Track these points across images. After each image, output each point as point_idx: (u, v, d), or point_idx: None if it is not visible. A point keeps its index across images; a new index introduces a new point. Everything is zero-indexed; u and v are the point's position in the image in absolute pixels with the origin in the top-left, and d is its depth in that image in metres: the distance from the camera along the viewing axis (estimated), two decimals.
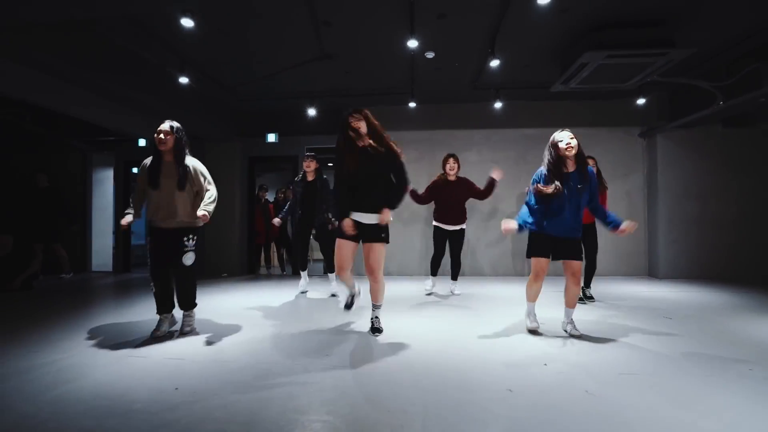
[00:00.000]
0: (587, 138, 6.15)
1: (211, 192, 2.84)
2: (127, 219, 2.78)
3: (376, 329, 2.87)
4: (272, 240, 6.98)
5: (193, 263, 2.81)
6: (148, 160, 2.81)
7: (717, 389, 1.95)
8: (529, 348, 2.59)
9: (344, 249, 2.74)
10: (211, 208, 2.78)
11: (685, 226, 5.72)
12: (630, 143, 5.97)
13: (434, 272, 4.44)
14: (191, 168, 2.80)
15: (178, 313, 2.96)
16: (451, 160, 4.31)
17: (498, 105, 5.46)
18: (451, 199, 4.28)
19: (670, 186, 5.75)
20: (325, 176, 4.44)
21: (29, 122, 5.80)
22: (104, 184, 7.22)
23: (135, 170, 7.45)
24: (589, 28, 3.64)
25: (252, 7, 3.38)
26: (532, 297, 2.94)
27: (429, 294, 4.40)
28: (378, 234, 2.73)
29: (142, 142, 6.68)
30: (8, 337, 2.83)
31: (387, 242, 2.78)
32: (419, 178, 6.09)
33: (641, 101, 5.34)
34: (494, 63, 4.09)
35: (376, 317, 2.92)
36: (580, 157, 2.73)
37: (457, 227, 4.32)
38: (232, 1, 2.96)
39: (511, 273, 6.05)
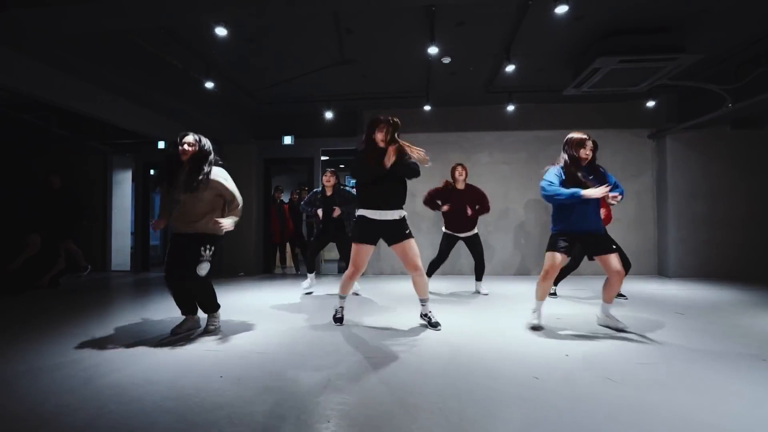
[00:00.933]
0: (597, 139, 6.26)
1: (237, 202, 2.87)
2: (158, 223, 2.85)
3: (435, 324, 2.97)
4: (287, 240, 7.14)
5: (206, 274, 2.81)
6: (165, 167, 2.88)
7: (731, 378, 2.07)
8: (548, 341, 2.72)
9: (364, 252, 2.88)
10: (232, 220, 2.82)
11: (694, 225, 5.82)
12: (639, 145, 6.09)
13: (430, 273, 4.43)
14: (212, 176, 2.79)
15: (202, 314, 3.03)
16: (459, 168, 4.46)
17: (510, 108, 5.59)
18: (460, 206, 4.35)
19: (679, 186, 5.85)
20: (342, 186, 4.55)
21: (54, 125, 5.99)
22: (123, 185, 7.41)
23: (152, 172, 7.67)
24: (602, 34, 3.77)
25: (280, 17, 3.53)
26: (542, 295, 2.96)
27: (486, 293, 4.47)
28: (403, 231, 2.88)
29: (161, 144, 6.86)
30: (43, 332, 2.97)
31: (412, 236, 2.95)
32: (431, 179, 6.23)
33: (651, 103, 5.45)
34: (509, 68, 4.23)
35: (429, 311, 3.04)
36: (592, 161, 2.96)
37: (470, 233, 4.41)
38: (265, 14, 3.09)
39: (524, 272, 6.16)
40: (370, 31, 3.88)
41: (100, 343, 2.67)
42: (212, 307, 2.99)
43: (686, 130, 5.65)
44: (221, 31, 3.23)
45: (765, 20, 3.61)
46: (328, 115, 5.80)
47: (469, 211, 4.29)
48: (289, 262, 7.34)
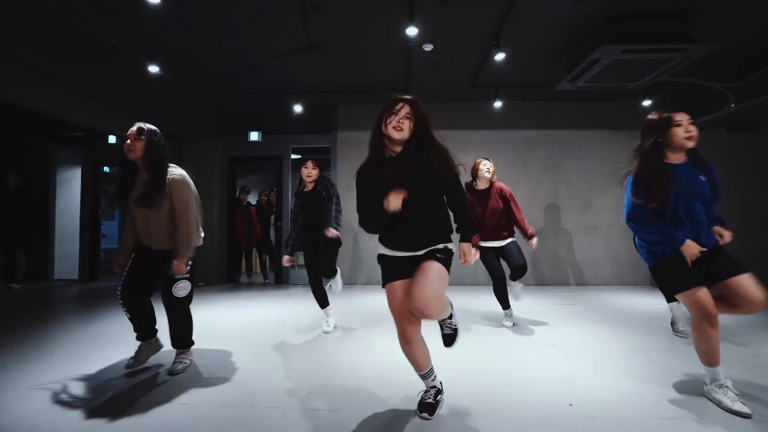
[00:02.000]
0: (589, 140, 5.98)
1: (187, 220, 2.27)
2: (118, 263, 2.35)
3: (422, 405, 1.83)
4: (254, 245, 6.52)
5: (187, 295, 2.34)
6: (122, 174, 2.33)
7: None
8: (547, 381, 2.24)
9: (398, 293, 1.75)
10: (187, 248, 2.27)
11: None
12: (632, 147, 5.72)
13: (506, 303, 3.36)
14: (170, 181, 2.25)
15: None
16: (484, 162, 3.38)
17: (497, 104, 5.15)
18: (486, 210, 3.32)
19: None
20: (326, 176, 3.37)
21: None
22: (71, 183, 6.63)
23: (106, 169, 6.91)
24: (603, 20, 3.34)
25: None
26: (714, 357, 1.83)
27: (512, 324, 3.38)
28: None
29: (112, 139, 6.14)
30: None
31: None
32: None
33: (647, 103, 5.09)
34: (499, 56, 3.76)
35: (433, 387, 1.88)
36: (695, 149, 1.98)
37: (506, 241, 3.32)
38: None
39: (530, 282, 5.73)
40: (340, 8, 3.34)
41: (12, 393, 2.04)
42: (186, 342, 2.44)
43: None
44: None
45: None
46: (298, 109, 5.23)
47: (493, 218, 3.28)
48: (257, 269, 6.71)
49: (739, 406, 1.76)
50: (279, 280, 6.08)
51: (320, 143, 6.02)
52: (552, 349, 2.80)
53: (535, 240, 3.30)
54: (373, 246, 5.84)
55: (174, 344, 2.42)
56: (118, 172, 2.36)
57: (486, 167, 3.35)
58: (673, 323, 3.15)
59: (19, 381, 2.19)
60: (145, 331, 2.41)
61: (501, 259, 3.34)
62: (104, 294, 5.09)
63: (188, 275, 2.33)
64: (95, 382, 2.19)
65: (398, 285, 1.75)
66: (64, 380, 2.20)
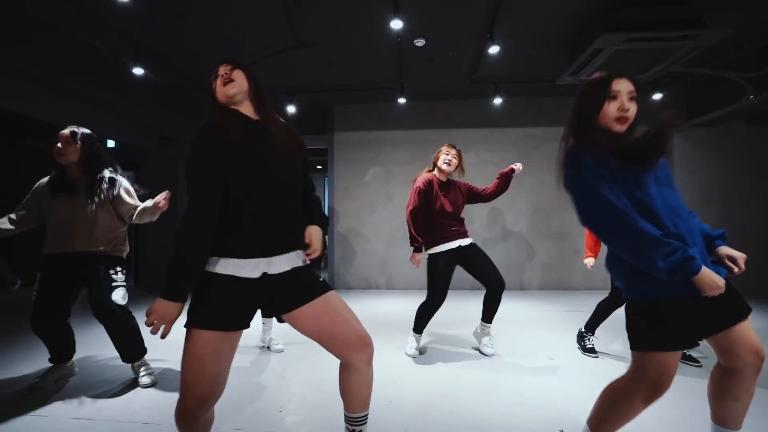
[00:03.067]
0: None
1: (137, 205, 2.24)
2: None
3: None
4: None
5: (126, 302, 2.20)
6: (44, 180, 2.21)
7: None
8: (536, 402, 2.03)
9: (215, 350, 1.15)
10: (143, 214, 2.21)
11: None
12: None
13: (422, 328, 2.77)
14: (107, 180, 2.16)
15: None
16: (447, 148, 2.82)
17: (498, 101, 4.92)
18: (445, 205, 2.78)
19: (688, 190, 5.19)
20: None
21: None
22: None
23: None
24: (604, 7, 3.09)
25: None
26: (608, 428, 1.27)
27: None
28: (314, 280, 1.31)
29: (111, 143, 6.13)
30: None
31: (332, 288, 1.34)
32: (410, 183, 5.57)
33: (657, 96, 4.80)
34: (493, 50, 3.55)
35: None
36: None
37: (469, 240, 2.79)
38: None
39: (512, 287, 5.49)
40: (322, 3, 3.18)
41: None
42: (139, 352, 2.28)
43: (696, 127, 5.01)
44: None
45: None
46: (291, 109, 5.09)
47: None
48: None
49: None
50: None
51: (317, 144, 5.88)
52: (549, 362, 2.58)
53: (518, 165, 2.93)
54: (370, 249, 5.67)
55: (126, 358, 2.26)
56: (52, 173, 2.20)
57: (446, 159, 2.74)
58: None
59: None
60: (62, 352, 2.24)
61: (463, 272, 2.77)
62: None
63: (124, 283, 2.20)
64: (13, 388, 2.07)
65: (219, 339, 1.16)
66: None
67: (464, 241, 2.72)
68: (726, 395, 1.22)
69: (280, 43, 3.85)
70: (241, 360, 2.62)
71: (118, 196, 2.17)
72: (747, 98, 3.91)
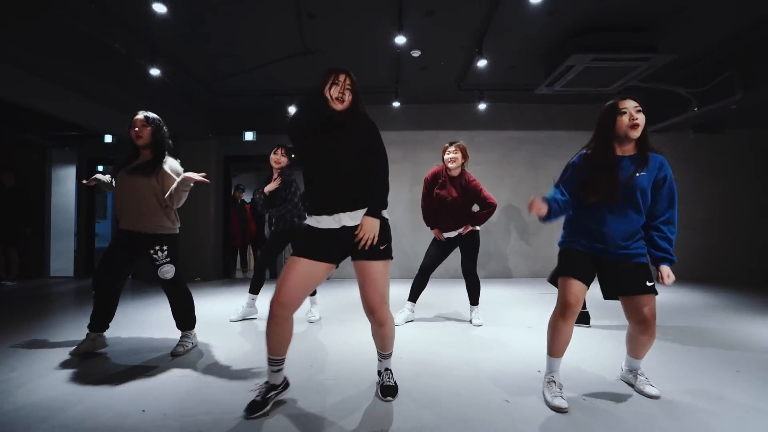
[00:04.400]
0: (568, 141, 6.31)
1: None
2: (98, 176, 2.52)
3: (387, 388, 1.87)
4: (249, 242, 6.71)
5: (174, 276, 2.50)
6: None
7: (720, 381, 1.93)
8: (519, 355, 2.52)
9: (299, 273, 1.71)
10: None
11: None
12: None
13: (416, 296, 3.32)
14: (168, 167, 2.48)
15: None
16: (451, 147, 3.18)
17: (482, 106, 5.44)
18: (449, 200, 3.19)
19: None
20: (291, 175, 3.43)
21: None
22: (66, 182, 6.73)
23: (100, 168, 7.02)
24: (576, 31, 3.64)
25: None
26: (557, 349, 1.84)
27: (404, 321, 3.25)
28: (375, 246, 1.72)
29: (108, 138, 6.28)
30: None
31: (390, 257, 1.79)
32: (402, 178, 6.02)
33: None
34: (481, 63, 4.04)
35: (387, 370, 1.93)
36: (643, 140, 1.81)
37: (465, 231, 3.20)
38: None
39: (492, 275, 6.04)
40: (335, 17, 3.58)
41: (4, 370, 2.23)
42: (188, 323, 2.61)
43: (653, 133, 5.67)
44: (159, 8, 2.84)
45: (733, 23, 3.60)
46: (293, 110, 5.43)
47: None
48: (251, 265, 6.91)
49: (558, 402, 1.74)
50: (273, 275, 6.28)
51: None
52: (527, 329, 3.09)
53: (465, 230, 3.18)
54: None
55: (178, 325, 2.61)
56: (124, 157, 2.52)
57: (449, 156, 3.10)
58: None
59: (39, 362, 2.39)
60: (99, 323, 2.52)
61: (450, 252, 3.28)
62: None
63: (167, 259, 2.48)
64: (100, 362, 2.40)
65: (309, 265, 1.73)
66: (72, 363, 2.41)
67: (454, 233, 3.21)
68: (630, 339, 1.94)
69: (289, 50, 4.21)
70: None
71: (166, 174, 2.46)
72: (692, 110, 4.58)
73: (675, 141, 5.88)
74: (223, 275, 6.36)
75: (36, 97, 4.19)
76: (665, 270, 1.82)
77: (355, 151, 1.74)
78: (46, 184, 6.46)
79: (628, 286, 1.81)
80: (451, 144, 3.17)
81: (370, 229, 1.69)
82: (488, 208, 3.12)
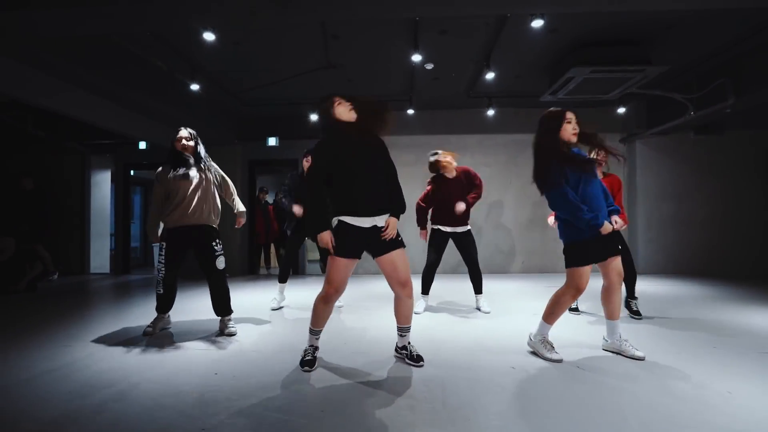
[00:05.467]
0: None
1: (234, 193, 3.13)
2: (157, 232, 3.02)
3: (416, 357, 2.29)
4: (272, 241, 7.17)
5: (225, 267, 2.96)
6: (163, 168, 2.95)
7: (697, 362, 2.29)
8: (524, 332, 2.90)
9: (345, 269, 2.19)
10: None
11: (662, 225, 6.18)
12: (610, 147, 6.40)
13: (428, 288, 3.68)
14: (214, 169, 3.04)
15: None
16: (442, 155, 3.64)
17: (490, 112, 5.80)
18: (451, 197, 3.56)
19: (648, 188, 6.20)
20: None
21: (31, 125, 5.85)
22: (102, 186, 7.27)
23: (132, 173, 7.55)
24: (575, 46, 4.00)
25: (270, 25, 3.60)
26: (555, 318, 2.38)
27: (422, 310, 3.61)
28: (397, 238, 2.22)
29: (142, 145, 6.78)
30: (28, 337, 2.92)
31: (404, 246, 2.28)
32: (415, 180, 6.41)
33: (621, 110, 5.77)
34: (489, 75, 4.41)
35: (409, 343, 2.37)
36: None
37: (459, 229, 3.61)
38: (255, 22, 3.13)
39: (500, 270, 6.39)
40: (356, 37, 3.99)
41: (89, 347, 2.69)
42: (227, 308, 3.01)
43: (654, 135, 5.99)
44: (209, 36, 3.27)
45: (722, 36, 3.91)
46: (314, 117, 5.86)
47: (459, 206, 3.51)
48: (274, 263, 7.37)
49: (555, 355, 2.30)
50: (296, 271, 6.73)
51: None
52: (533, 316, 3.46)
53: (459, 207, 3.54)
54: None
55: (219, 312, 2.99)
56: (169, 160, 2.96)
57: (445, 160, 3.57)
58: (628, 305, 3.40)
59: (105, 336, 2.84)
60: (165, 305, 2.99)
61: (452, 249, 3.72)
62: (137, 285, 5.72)
63: (222, 251, 2.96)
64: (138, 338, 2.84)
65: (349, 263, 2.19)
66: (128, 335, 2.86)
67: (458, 228, 3.63)
68: (606, 300, 2.40)
69: (313, 65, 4.63)
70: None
71: (222, 177, 3.04)
72: (689, 114, 4.89)
73: (676, 142, 6.17)
74: (248, 272, 6.82)
75: (78, 107, 4.64)
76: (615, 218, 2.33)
77: (382, 163, 2.22)
78: (86, 188, 7.00)
79: (615, 248, 2.32)
80: (435, 153, 3.65)
81: (395, 227, 2.22)
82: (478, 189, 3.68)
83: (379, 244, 2.18)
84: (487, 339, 2.81)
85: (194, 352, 2.57)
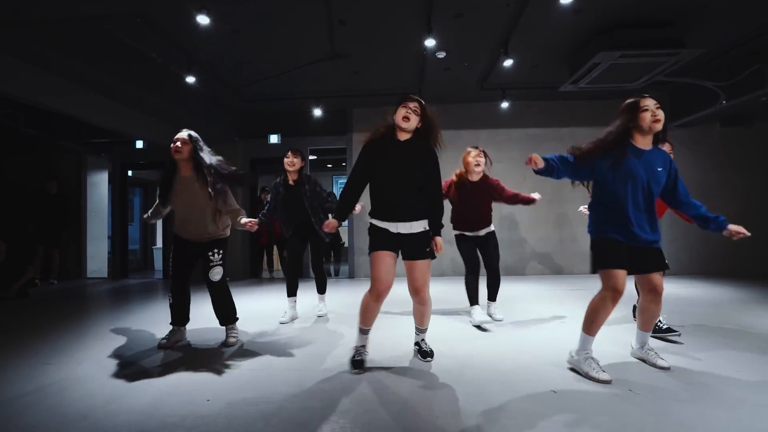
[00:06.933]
0: (590, 137, 6.24)
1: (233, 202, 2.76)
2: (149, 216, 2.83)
3: (425, 352, 2.37)
4: (275, 243, 6.88)
5: (221, 278, 2.70)
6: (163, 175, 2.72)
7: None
8: (561, 350, 2.59)
9: (383, 262, 2.17)
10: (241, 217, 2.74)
11: (686, 223, 5.81)
12: None
13: (475, 298, 3.25)
14: (214, 172, 2.64)
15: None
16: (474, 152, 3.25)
17: (504, 105, 5.48)
18: (474, 201, 3.28)
19: None
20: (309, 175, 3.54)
21: (22, 124, 5.60)
22: (99, 187, 7.01)
23: (129, 173, 7.29)
24: (601, 28, 3.68)
25: (268, 5, 3.31)
26: (595, 329, 2.07)
27: (481, 327, 3.12)
28: (423, 249, 2.22)
29: (139, 144, 6.52)
30: (8, 352, 2.64)
31: (433, 257, 2.24)
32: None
33: None
34: (507, 63, 4.10)
35: (423, 340, 2.42)
36: (657, 137, 2.10)
37: (486, 231, 3.30)
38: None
39: (514, 273, 6.08)
40: (365, 23, 3.69)
41: (70, 365, 2.39)
42: (230, 318, 2.80)
43: (678, 127, 5.65)
44: (203, 19, 2.99)
45: (760, 17, 3.58)
46: (318, 112, 5.58)
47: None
48: (277, 265, 7.08)
49: (604, 375, 1.97)
50: (305, 274, 6.44)
51: (336, 144, 6.37)
52: (562, 324, 3.14)
53: (537, 195, 3.43)
54: None
55: (221, 321, 2.78)
56: (166, 169, 2.68)
57: (475, 160, 3.20)
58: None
59: (93, 352, 2.56)
60: (180, 318, 2.73)
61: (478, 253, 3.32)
62: (135, 290, 5.45)
63: (221, 262, 2.68)
64: (129, 353, 2.55)
65: (387, 256, 2.20)
66: (124, 348, 2.57)
67: (480, 231, 3.29)
68: (640, 309, 2.20)
69: (318, 55, 4.33)
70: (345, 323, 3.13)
71: (223, 188, 2.62)
72: (720, 103, 4.55)
73: (701, 135, 5.83)
74: (250, 275, 6.54)
75: (72, 104, 4.40)
76: (735, 227, 2.10)
77: (419, 174, 2.21)
78: (82, 189, 6.75)
79: (653, 266, 2.09)
80: (474, 148, 3.26)
81: (440, 245, 2.24)
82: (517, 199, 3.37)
83: (406, 249, 2.23)
84: (520, 356, 2.49)
85: (185, 371, 2.27)
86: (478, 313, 3.17)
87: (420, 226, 2.22)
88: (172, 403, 1.86)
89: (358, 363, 2.23)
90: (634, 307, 3.16)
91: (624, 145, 2.05)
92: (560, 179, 2.18)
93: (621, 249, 2.03)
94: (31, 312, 4.00)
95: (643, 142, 2.07)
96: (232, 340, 2.72)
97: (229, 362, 2.39)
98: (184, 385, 2.06)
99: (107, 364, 2.39)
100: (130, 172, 7.26)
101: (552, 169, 2.08)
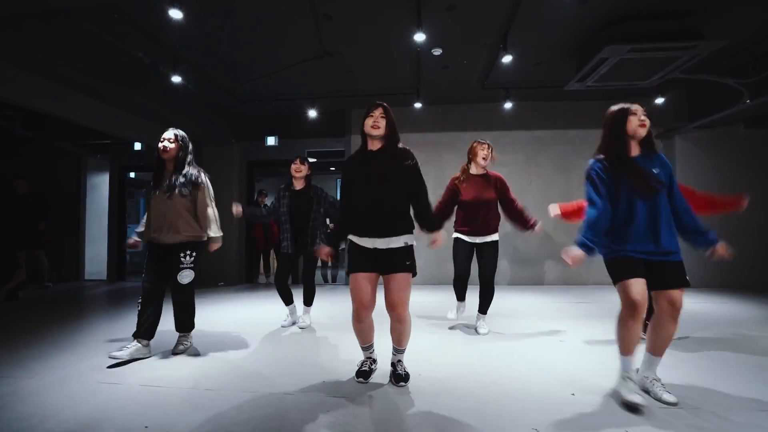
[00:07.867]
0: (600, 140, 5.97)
1: (211, 212, 2.63)
2: (133, 239, 2.70)
3: (399, 376, 2.12)
4: (272, 247, 6.72)
5: (190, 282, 2.56)
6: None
7: None
8: (551, 371, 2.30)
9: (362, 284, 2.06)
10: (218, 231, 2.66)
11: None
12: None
13: (462, 296, 3.24)
14: (194, 177, 2.58)
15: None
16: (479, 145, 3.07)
17: (508, 105, 5.21)
18: (476, 192, 3.03)
19: None
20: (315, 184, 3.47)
21: (19, 126, 5.59)
22: (99, 189, 6.99)
23: (132, 175, 7.27)
24: (610, 20, 3.38)
25: None
26: (629, 346, 1.89)
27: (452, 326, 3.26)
28: (402, 262, 2.05)
29: (137, 146, 6.47)
30: None
31: (414, 272, 2.09)
32: (426, 182, 5.85)
33: (660, 100, 5.06)
34: (506, 59, 3.84)
35: (399, 361, 2.19)
36: (649, 140, 1.96)
37: (489, 238, 3.06)
38: None
39: (518, 282, 5.76)
40: (352, 17, 3.49)
41: (31, 379, 2.23)
42: (187, 325, 2.68)
43: (697, 129, 5.26)
44: (175, 14, 2.82)
45: None
46: (313, 113, 5.40)
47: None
48: (274, 269, 6.91)
49: (635, 398, 1.80)
50: (296, 280, 6.25)
51: (334, 146, 6.19)
52: (560, 344, 2.85)
53: (539, 226, 3.07)
54: None
55: (177, 327, 2.65)
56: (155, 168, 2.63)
57: (483, 154, 3.02)
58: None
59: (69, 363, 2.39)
60: (144, 331, 2.52)
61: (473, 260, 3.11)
62: (129, 293, 5.35)
63: (192, 265, 2.56)
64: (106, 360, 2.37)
65: (366, 277, 2.07)
66: (91, 357, 2.40)
67: (484, 239, 3.03)
68: (652, 329, 1.93)
69: (308, 53, 4.15)
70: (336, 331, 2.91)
71: (201, 193, 2.55)
72: (744, 102, 4.18)
73: (723, 137, 5.42)
74: (245, 280, 6.39)
75: (67, 108, 4.33)
76: (723, 246, 1.95)
77: (397, 185, 2.04)
78: (81, 191, 6.73)
79: (672, 281, 1.89)
80: (482, 142, 3.10)
81: (440, 239, 2.13)
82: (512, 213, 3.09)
83: (384, 264, 2.07)
84: (506, 382, 2.22)
85: (128, 386, 2.08)
86: (455, 312, 3.30)
87: (399, 241, 2.04)
88: (108, 425, 1.66)
89: (362, 373, 2.18)
90: (645, 324, 2.90)
91: (619, 156, 1.94)
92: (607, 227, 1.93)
93: (635, 262, 1.89)
94: (14, 317, 3.90)
95: (633, 150, 1.96)
96: (181, 348, 2.62)
97: (180, 377, 2.19)
98: (121, 405, 1.86)
99: (73, 372, 2.21)
100: (132, 174, 7.24)
101: (594, 244, 1.86)
